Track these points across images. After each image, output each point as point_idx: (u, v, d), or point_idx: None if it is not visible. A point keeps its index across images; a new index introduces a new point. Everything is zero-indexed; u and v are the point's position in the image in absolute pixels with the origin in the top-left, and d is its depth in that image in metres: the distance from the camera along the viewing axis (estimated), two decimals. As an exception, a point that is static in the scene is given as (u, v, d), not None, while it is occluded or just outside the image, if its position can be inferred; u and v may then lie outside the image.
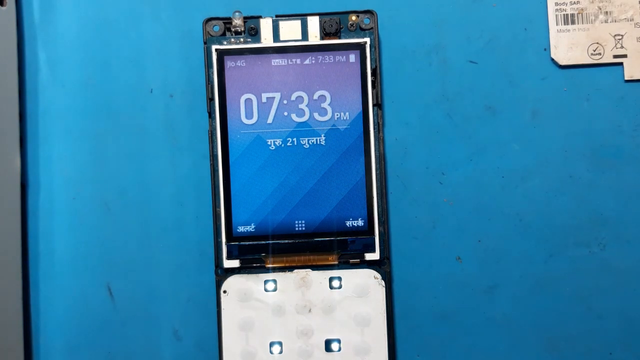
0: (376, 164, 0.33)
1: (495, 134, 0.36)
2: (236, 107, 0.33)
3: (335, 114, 0.33)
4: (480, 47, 0.36)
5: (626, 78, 0.36)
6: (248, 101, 0.33)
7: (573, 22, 0.36)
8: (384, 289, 0.33)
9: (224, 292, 0.33)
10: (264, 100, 0.33)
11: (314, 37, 0.34)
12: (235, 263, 0.33)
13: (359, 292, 0.33)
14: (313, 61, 0.33)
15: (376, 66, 0.34)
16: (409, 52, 0.36)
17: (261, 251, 0.33)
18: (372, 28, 0.34)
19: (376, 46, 0.34)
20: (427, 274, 0.36)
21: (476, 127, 0.36)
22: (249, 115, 0.33)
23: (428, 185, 0.36)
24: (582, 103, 0.36)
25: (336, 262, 0.33)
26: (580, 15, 0.36)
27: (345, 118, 0.33)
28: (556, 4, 0.36)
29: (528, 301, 0.35)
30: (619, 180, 0.36)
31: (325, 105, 0.33)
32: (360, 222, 0.33)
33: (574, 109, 0.36)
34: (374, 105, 0.34)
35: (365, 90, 0.33)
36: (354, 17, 0.34)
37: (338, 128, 0.33)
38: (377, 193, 0.33)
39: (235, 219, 0.33)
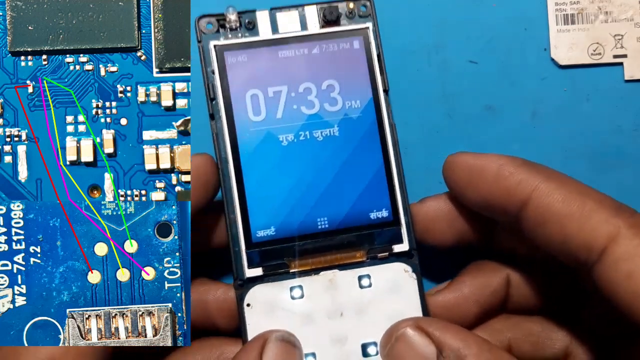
0: (394, 150, 0.32)
1: (495, 134, 0.36)
2: (242, 104, 0.32)
3: (346, 102, 0.32)
4: (480, 47, 0.36)
5: (626, 78, 0.36)
6: (254, 97, 0.32)
7: (573, 22, 0.36)
8: (416, 281, 0.31)
9: (248, 305, 0.31)
10: (270, 94, 0.32)
11: (314, 27, 0.33)
12: (257, 271, 0.31)
13: (391, 289, 0.31)
14: (317, 50, 0.32)
15: (379, 52, 0.32)
16: (409, 52, 0.36)
17: (285, 255, 0.31)
18: (369, 15, 0.33)
19: (377, 32, 0.33)
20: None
21: (476, 127, 0.36)
22: (256, 111, 0.32)
23: (428, 185, 0.36)
24: (582, 103, 0.36)
25: (364, 259, 0.31)
26: (580, 15, 0.36)
27: (356, 106, 0.32)
28: (556, 4, 0.36)
29: (528, 301, 0.35)
30: (619, 180, 0.36)
31: (334, 94, 0.32)
32: (385, 213, 0.32)
33: (574, 109, 0.36)
34: (384, 91, 0.32)
35: (374, 76, 0.32)
36: (351, 5, 0.33)
37: (350, 117, 0.32)
38: (398, 180, 0.32)
39: (253, 223, 0.31)
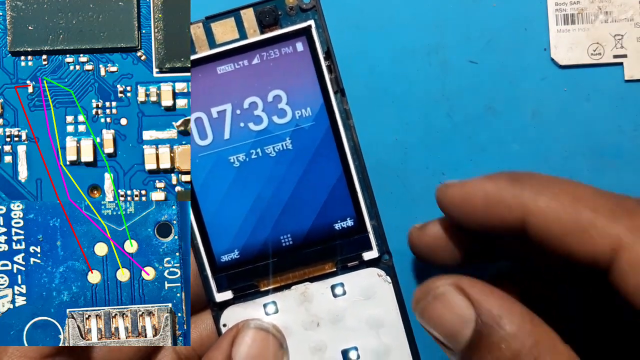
0: (352, 155, 0.30)
1: (495, 134, 0.36)
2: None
3: (296, 112, 0.30)
4: (480, 47, 0.36)
5: (626, 78, 0.36)
6: (198, 120, 0.31)
7: (573, 22, 0.36)
8: (390, 284, 0.31)
9: (224, 325, 0.31)
10: (214, 115, 0.30)
11: (253, 32, 0.30)
12: (227, 295, 0.31)
13: (366, 294, 0.31)
14: (258, 60, 0.30)
15: (328, 48, 0.30)
16: (409, 52, 0.36)
17: (252, 276, 0.31)
18: (314, 7, 0.30)
19: (323, 26, 0.30)
20: (427, 275, 0.36)
21: (476, 127, 0.36)
22: (202, 135, 0.31)
23: (428, 185, 0.36)
24: (582, 103, 0.36)
25: (334, 269, 0.31)
26: (580, 15, 0.36)
27: (307, 115, 0.30)
28: (556, 4, 0.36)
29: (528, 301, 0.36)
30: (619, 180, 0.36)
31: (282, 105, 0.30)
32: (349, 222, 0.31)
33: (574, 109, 0.36)
34: (335, 93, 0.30)
35: (323, 78, 0.30)
36: (290, 0, 0.30)
37: (302, 127, 0.30)
38: (361, 186, 0.30)
39: (215, 248, 0.31)
